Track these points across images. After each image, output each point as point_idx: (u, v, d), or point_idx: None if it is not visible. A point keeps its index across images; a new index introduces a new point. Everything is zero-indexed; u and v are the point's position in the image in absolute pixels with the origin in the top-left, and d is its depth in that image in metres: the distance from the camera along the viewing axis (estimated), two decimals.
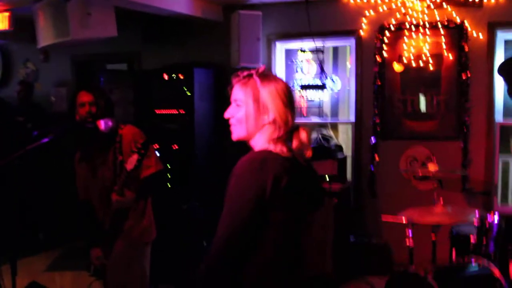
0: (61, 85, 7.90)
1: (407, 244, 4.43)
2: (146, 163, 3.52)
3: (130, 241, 3.60)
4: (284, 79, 6.59)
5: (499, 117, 5.81)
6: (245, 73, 2.21)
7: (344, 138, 6.85)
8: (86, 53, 7.57)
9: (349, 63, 8.03)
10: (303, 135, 2.18)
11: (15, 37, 7.62)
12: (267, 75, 2.21)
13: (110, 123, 3.39)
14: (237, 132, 2.22)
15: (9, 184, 4.92)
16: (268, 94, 2.15)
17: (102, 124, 3.37)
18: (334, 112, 7.07)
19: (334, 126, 6.84)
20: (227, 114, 2.23)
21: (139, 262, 3.67)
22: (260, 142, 2.18)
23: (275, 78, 2.21)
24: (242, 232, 2.01)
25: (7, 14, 6.19)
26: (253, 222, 2.02)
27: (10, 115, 7.16)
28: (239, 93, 2.20)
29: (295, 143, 2.17)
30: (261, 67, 2.26)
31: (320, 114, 6.42)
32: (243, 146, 6.27)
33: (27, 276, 5.87)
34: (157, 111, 6.23)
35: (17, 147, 5.30)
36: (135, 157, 3.23)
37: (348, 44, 6.46)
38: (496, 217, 3.72)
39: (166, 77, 6.17)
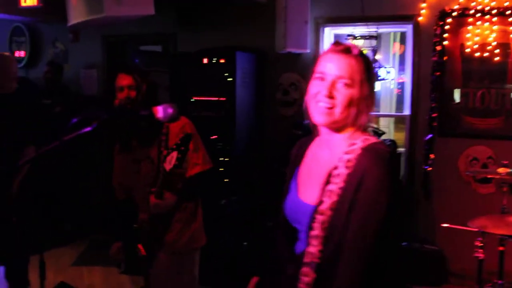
0: (91, 67, 7.51)
1: (476, 255, 3.97)
2: (193, 160, 3.07)
3: (179, 247, 3.15)
4: None
5: None
6: (356, 49, 1.87)
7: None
8: (118, 34, 7.17)
9: (393, 50, 7.55)
10: None
11: (44, 15, 7.25)
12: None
13: (170, 110, 2.85)
14: (332, 116, 1.86)
15: (38, 173, 4.60)
16: (374, 80, 1.91)
17: (160, 111, 2.85)
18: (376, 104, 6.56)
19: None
20: (326, 92, 1.84)
21: (188, 270, 3.24)
22: (357, 133, 1.90)
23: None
24: (382, 241, 1.80)
25: None
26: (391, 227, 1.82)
27: (37, 98, 6.77)
28: (351, 70, 1.84)
29: None
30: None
31: None
32: (287, 139, 5.78)
33: (54, 269, 5.53)
34: (195, 98, 5.76)
35: (44, 131, 4.97)
36: (174, 154, 2.78)
37: (404, 30, 5.93)
38: None
39: (205, 61, 5.69)
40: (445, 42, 5.47)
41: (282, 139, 5.83)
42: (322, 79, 1.86)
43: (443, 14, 5.45)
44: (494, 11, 5.26)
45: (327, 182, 1.83)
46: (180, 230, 3.17)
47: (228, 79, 5.61)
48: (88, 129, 2.47)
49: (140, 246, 3.13)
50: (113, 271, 5.72)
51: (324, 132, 1.94)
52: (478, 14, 5.33)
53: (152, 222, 3.04)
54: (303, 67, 5.98)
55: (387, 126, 7.43)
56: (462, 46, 5.43)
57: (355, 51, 1.86)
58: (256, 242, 5.38)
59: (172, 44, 6.79)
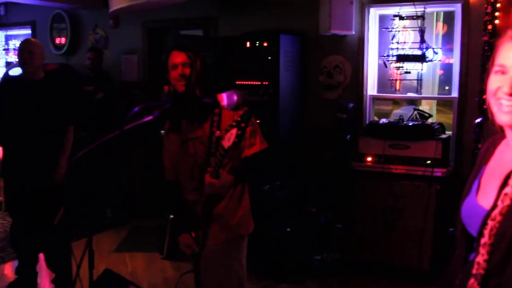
0: (132, 53, 7.49)
1: None
2: (251, 141, 2.98)
3: (226, 235, 3.09)
4: (377, 49, 6.04)
5: None
6: None
7: None
8: (158, 19, 7.13)
9: (436, 31, 7.33)
10: None
11: (84, 1, 7.27)
12: None
13: (235, 98, 2.70)
14: None
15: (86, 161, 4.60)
16: None
17: (224, 98, 2.72)
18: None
19: (412, 102, 6.26)
20: (509, 89, 1.59)
21: (236, 258, 3.16)
22: None
23: None
24: None
25: None
26: None
27: (79, 85, 6.79)
28: None
29: None
30: None
31: (418, 88, 5.76)
32: (331, 123, 5.65)
33: (96, 256, 5.52)
34: (238, 82, 5.69)
35: (85, 118, 4.99)
36: (234, 131, 2.63)
37: (452, 10, 5.75)
38: None
39: (248, 44, 5.61)
40: (496, 21, 5.26)
41: (326, 123, 5.73)
42: (503, 72, 1.60)
43: None
44: None
45: (504, 184, 1.62)
46: (228, 216, 3.10)
47: (272, 63, 5.52)
48: (149, 118, 2.41)
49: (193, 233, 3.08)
50: (155, 257, 5.76)
51: (509, 132, 1.70)
52: None
53: (205, 204, 2.98)
54: (348, 49, 5.86)
55: (428, 109, 7.26)
56: None
57: None
58: (300, 228, 5.30)
59: (213, 28, 6.72)
